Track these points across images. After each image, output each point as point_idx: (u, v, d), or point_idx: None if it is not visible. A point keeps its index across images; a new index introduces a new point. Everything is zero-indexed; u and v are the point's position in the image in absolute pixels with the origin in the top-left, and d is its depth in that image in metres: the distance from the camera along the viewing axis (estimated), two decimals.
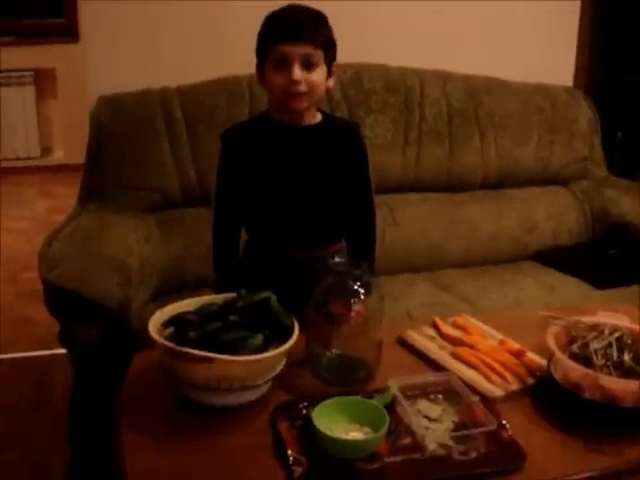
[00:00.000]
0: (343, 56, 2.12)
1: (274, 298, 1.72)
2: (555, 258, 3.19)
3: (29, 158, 6.39)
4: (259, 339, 1.60)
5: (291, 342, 1.63)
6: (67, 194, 4.22)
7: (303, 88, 1.94)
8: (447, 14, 3.44)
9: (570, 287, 2.96)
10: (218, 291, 2.04)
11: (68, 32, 5.76)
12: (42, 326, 3.49)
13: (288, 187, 2.06)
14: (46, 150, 6.54)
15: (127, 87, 2.94)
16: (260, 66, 2.02)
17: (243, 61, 2.21)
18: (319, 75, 1.97)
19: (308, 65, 1.94)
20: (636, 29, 5.17)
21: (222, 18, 3.13)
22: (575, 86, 3.76)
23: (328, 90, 2.06)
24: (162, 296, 2.61)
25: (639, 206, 3.27)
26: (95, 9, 3.04)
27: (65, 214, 2.83)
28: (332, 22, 2.03)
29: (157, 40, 3.12)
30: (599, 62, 4.33)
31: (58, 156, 6.50)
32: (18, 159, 6.33)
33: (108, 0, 3.01)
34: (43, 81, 6.33)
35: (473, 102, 3.29)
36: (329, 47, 1.99)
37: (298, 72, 1.92)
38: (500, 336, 1.95)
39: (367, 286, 1.75)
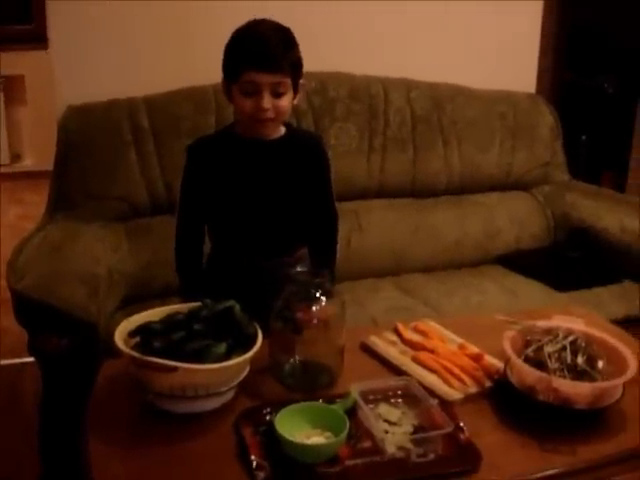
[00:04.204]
0: (308, 65, 2.14)
1: (238, 307, 1.76)
2: (518, 262, 3.24)
3: None
4: (222, 348, 1.64)
5: (254, 350, 1.67)
6: (37, 201, 4.20)
7: (271, 115, 1.98)
8: (411, 22, 3.48)
9: (532, 290, 3.01)
10: (184, 297, 2.09)
11: (37, 39, 5.72)
12: (12, 334, 3.48)
13: (252, 199, 2.10)
14: (15, 157, 6.50)
15: (95, 96, 2.97)
16: (227, 84, 2.04)
17: (209, 70, 2.24)
18: (287, 100, 2.00)
19: (277, 92, 1.97)
20: (601, 32, 5.26)
21: (189, 28, 3.15)
22: (538, 90, 3.81)
23: (293, 106, 2.10)
24: (130, 304, 2.64)
25: (599, 210, 3.33)
26: (63, 18, 3.05)
27: (35, 221, 2.85)
28: (297, 31, 2.05)
29: (125, 49, 3.13)
30: (564, 65, 4.39)
31: (27, 163, 6.47)
32: None
33: (76, 8, 3.02)
34: (12, 88, 6.29)
35: (437, 109, 3.35)
36: (297, 70, 2.02)
37: (267, 101, 1.96)
38: (460, 340, 2.00)
39: (328, 294, 1.79)
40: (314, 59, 2.29)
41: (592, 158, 5.17)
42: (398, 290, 2.98)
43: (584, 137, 5.32)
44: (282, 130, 2.13)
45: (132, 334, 1.71)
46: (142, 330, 1.71)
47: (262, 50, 1.95)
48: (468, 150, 3.39)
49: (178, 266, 2.22)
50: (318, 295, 1.78)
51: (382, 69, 3.34)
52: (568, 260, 3.23)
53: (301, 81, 2.07)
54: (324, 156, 2.20)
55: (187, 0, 3.12)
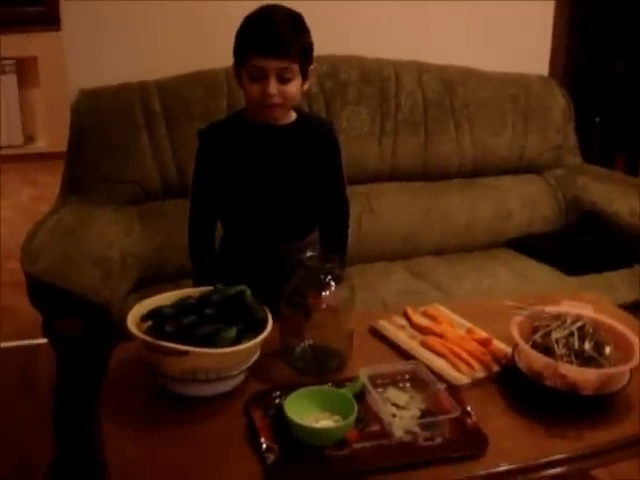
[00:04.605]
0: (320, 48, 2.14)
1: (248, 292, 1.78)
2: (529, 245, 3.25)
3: (12, 146, 6.38)
4: (233, 332, 1.66)
5: (264, 335, 1.69)
6: (51, 183, 4.22)
7: (277, 100, 1.99)
8: (422, 5, 3.47)
9: (543, 274, 3.02)
10: (197, 282, 2.11)
11: (49, 21, 5.73)
12: (26, 316, 3.51)
13: (264, 184, 2.12)
14: (29, 138, 6.52)
15: (107, 79, 2.99)
16: (237, 69, 2.06)
17: (221, 54, 2.25)
18: (294, 87, 2.01)
19: (283, 78, 1.97)
20: (614, 14, 5.23)
21: (201, 12, 3.16)
22: (551, 72, 3.80)
23: (304, 91, 2.11)
24: (143, 287, 2.68)
25: (610, 193, 3.33)
26: (75, 1, 3.06)
27: (49, 203, 2.87)
28: (309, 14, 2.05)
29: (136, 33, 3.13)
30: (576, 48, 4.37)
31: (41, 144, 6.49)
32: (0, 148, 6.32)
33: None
34: (25, 70, 6.31)
35: (448, 92, 3.34)
36: (306, 56, 2.02)
37: (273, 86, 1.97)
38: (468, 325, 2.01)
39: (337, 278, 1.81)
40: (326, 42, 2.29)
41: (606, 140, 5.15)
42: (409, 273, 2.99)
43: (598, 119, 5.30)
44: (293, 116, 2.14)
45: (144, 318, 1.73)
46: (154, 314, 1.73)
47: (268, 35, 1.95)
48: (480, 133, 3.38)
49: (191, 252, 2.24)
50: (328, 280, 1.80)
51: (394, 52, 3.34)
52: (579, 244, 3.23)
53: (311, 67, 2.07)
54: (335, 142, 2.22)
55: None
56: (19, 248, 2.47)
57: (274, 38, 1.95)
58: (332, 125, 2.29)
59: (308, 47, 2.04)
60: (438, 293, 2.81)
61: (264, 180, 2.12)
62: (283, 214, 2.16)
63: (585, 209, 3.39)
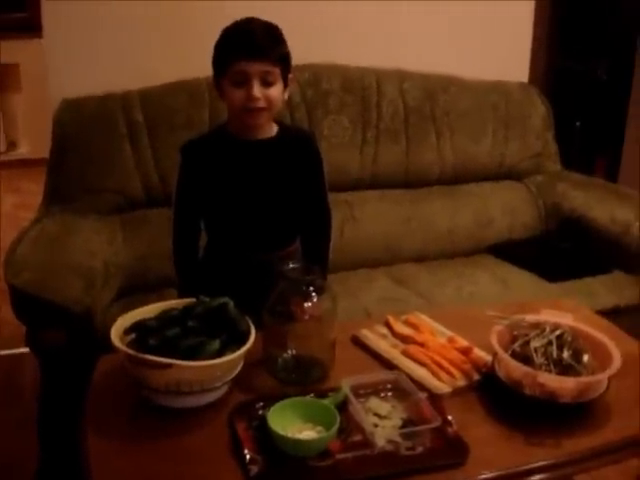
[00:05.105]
0: (301, 57, 2.19)
1: (231, 304, 1.79)
2: (509, 252, 3.28)
3: None
4: (216, 344, 1.68)
5: (246, 347, 1.71)
6: (33, 190, 4.21)
7: (262, 104, 2.02)
8: (403, 13, 3.50)
9: (524, 280, 3.05)
10: (182, 292, 2.13)
11: (31, 27, 5.73)
12: (10, 324, 3.50)
13: (247, 197, 2.14)
14: (11, 144, 6.53)
15: (89, 88, 2.99)
16: (217, 80, 2.08)
17: (203, 63, 2.25)
18: (277, 90, 2.04)
19: (266, 82, 2.01)
20: (593, 17, 5.26)
21: (183, 21, 3.17)
22: (531, 77, 3.83)
23: (285, 100, 2.14)
24: (126, 296, 2.69)
25: (590, 200, 3.36)
26: (57, 9, 3.06)
27: (32, 210, 2.88)
28: (290, 23, 2.10)
29: (119, 42, 3.14)
30: (557, 52, 4.40)
31: (23, 151, 6.49)
32: None
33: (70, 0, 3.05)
34: (7, 76, 6.30)
35: (429, 100, 3.38)
36: (286, 62, 2.06)
37: (257, 89, 1.99)
38: (449, 333, 2.03)
39: (319, 289, 1.83)
40: (307, 51, 2.33)
41: (586, 144, 5.18)
42: (391, 281, 3.01)
43: (578, 123, 5.34)
44: (274, 129, 2.16)
45: (128, 331, 1.74)
46: (137, 327, 1.74)
47: (250, 40, 2.00)
48: (461, 141, 3.42)
49: (176, 262, 2.25)
50: (310, 291, 1.82)
51: (375, 59, 3.36)
52: (559, 251, 3.27)
53: (290, 75, 2.11)
54: (317, 153, 2.24)
55: None
56: (2, 256, 2.47)
57: (255, 43, 1.99)
58: (314, 136, 2.32)
59: (287, 55, 2.08)
60: (420, 300, 2.83)
61: (246, 194, 2.14)
62: (266, 226, 2.18)
63: (565, 215, 3.42)
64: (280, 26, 2.08)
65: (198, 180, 2.14)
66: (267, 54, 1.99)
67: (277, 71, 2.02)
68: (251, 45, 1.99)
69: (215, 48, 2.07)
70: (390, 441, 1.59)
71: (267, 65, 1.99)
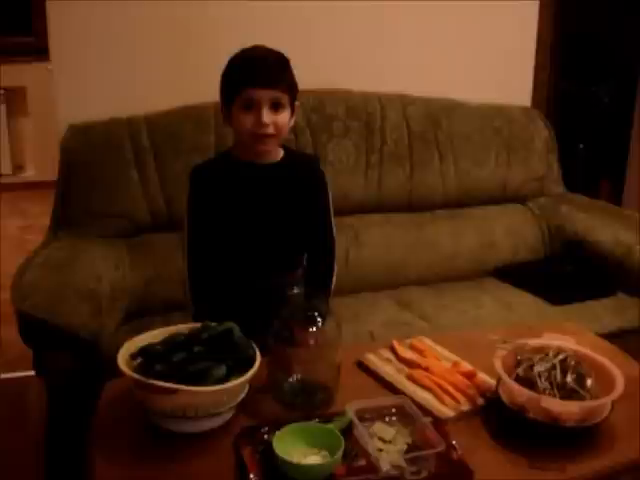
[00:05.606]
0: (306, 82, 2.22)
1: (237, 329, 1.81)
2: (513, 274, 3.29)
3: (1, 175, 6.41)
4: (222, 370, 1.69)
5: (252, 372, 1.72)
6: (40, 212, 4.23)
7: (271, 130, 2.05)
8: (406, 39, 3.54)
9: (527, 304, 3.06)
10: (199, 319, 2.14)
11: (38, 51, 5.78)
12: (17, 347, 3.51)
13: (254, 222, 2.16)
14: (18, 167, 6.57)
15: (96, 113, 3.02)
16: (226, 107, 2.11)
17: (210, 88, 2.29)
18: (285, 117, 2.08)
19: (276, 108, 2.05)
20: (595, 41, 5.30)
21: (189, 47, 3.21)
22: (535, 101, 3.86)
23: (291, 127, 2.17)
24: (132, 319, 2.70)
25: (593, 222, 3.38)
26: (64, 34, 3.09)
27: (38, 233, 2.90)
28: (296, 48, 2.15)
29: (125, 67, 3.18)
30: (560, 75, 4.43)
31: (30, 174, 6.53)
32: None
33: (77, 24, 3.08)
34: (14, 99, 6.37)
35: (433, 125, 3.40)
36: (293, 90, 2.11)
37: (267, 115, 2.03)
38: (454, 358, 2.04)
39: (324, 315, 1.85)
40: (312, 76, 2.35)
41: (590, 167, 5.21)
42: (395, 304, 3.03)
43: (581, 146, 5.37)
44: (280, 153, 2.19)
45: (134, 356, 1.76)
46: (144, 352, 1.76)
47: (260, 68, 2.05)
48: (464, 165, 3.44)
49: (195, 296, 2.21)
50: (314, 317, 1.83)
51: (379, 85, 3.40)
52: (562, 274, 3.27)
53: (296, 102, 2.15)
54: (322, 179, 2.27)
55: (188, 18, 3.18)
56: (8, 279, 2.49)
57: (265, 70, 2.04)
58: (319, 162, 2.34)
59: (294, 82, 2.12)
60: (424, 323, 2.85)
61: (252, 218, 2.16)
62: (271, 250, 2.19)
63: (568, 238, 3.44)
64: (284, 52, 2.13)
65: (208, 204, 2.16)
66: (278, 81, 2.04)
67: (286, 98, 2.07)
68: (263, 72, 2.04)
69: (224, 76, 2.11)
70: (395, 466, 1.60)
71: (277, 92, 2.04)
